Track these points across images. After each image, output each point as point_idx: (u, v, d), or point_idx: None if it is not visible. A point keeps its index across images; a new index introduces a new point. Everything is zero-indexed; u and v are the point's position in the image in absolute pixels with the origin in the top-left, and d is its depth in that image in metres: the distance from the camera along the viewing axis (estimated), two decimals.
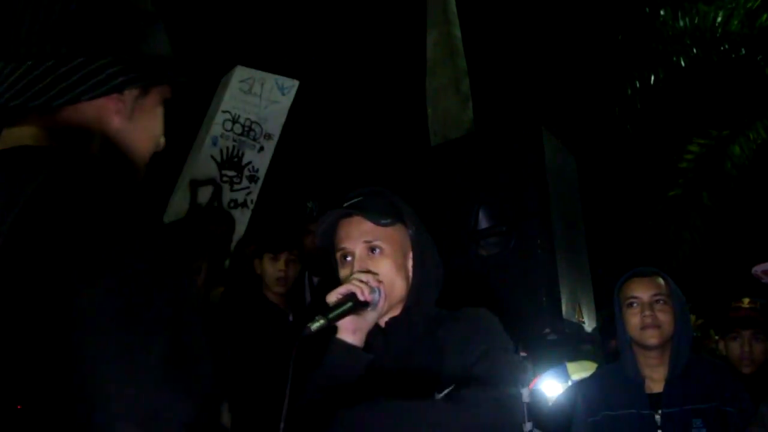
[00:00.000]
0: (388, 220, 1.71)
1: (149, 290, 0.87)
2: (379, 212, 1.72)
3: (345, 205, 1.74)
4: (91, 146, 1.07)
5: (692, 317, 3.58)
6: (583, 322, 3.41)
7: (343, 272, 1.72)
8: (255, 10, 9.21)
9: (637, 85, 8.45)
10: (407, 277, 1.73)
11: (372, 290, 1.63)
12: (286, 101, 5.31)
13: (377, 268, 1.68)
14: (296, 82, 5.34)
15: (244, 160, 5.13)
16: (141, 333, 0.86)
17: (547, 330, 3.15)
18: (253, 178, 5.17)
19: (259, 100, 5.19)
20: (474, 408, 1.56)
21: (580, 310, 3.38)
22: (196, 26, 8.54)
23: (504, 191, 3.31)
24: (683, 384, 2.54)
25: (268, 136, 5.23)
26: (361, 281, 1.62)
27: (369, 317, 1.65)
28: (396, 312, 1.73)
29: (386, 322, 1.72)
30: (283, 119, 5.31)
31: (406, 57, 8.27)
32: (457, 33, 6.82)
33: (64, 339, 0.85)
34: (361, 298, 1.60)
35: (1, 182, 0.95)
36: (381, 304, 1.65)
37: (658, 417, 2.51)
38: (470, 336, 1.66)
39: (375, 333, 1.71)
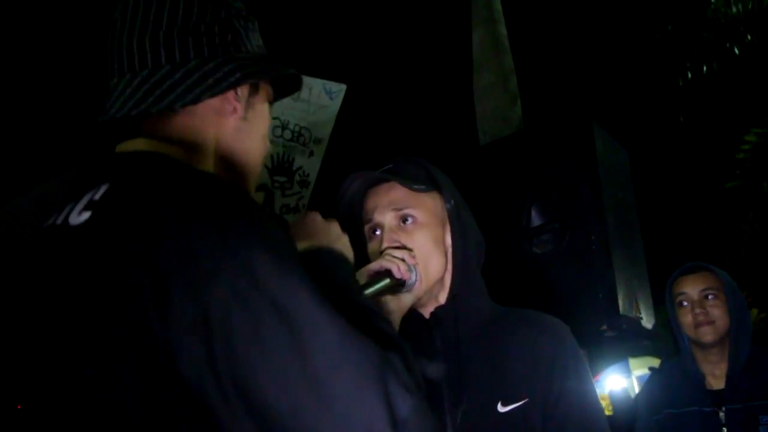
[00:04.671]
0: (422, 186, 1.49)
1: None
2: (412, 177, 1.51)
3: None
4: (204, 154, 1.07)
5: (754, 311, 3.49)
6: (641, 318, 3.35)
7: (372, 246, 1.50)
8: (300, 14, 9.29)
9: (689, 75, 8.27)
10: (445, 254, 1.50)
11: (409, 268, 1.40)
12: (335, 105, 5.34)
13: (410, 241, 1.45)
14: (344, 86, 5.36)
15: (295, 166, 5.17)
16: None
17: (604, 327, 3.11)
18: (304, 183, 5.21)
19: (307, 105, 5.23)
20: None
21: (638, 306, 3.32)
22: None
23: (556, 188, 3.28)
24: (745, 379, 2.48)
25: (318, 141, 5.26)
26: (396, 257, 1.40)
27: (405, 300, 1.42)
28: (440, 300, 1.51)
29: (432, 313, 1.51)
30: (331, 123, 5.33)
31: (452, 56, 8.25)
32: (503, 31, 6.77)
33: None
34: (397, 275, 1.38)
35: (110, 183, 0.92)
36: (418, 285, 1.43)
37: (722, 414, 2.46)
38: (544, 345, 1.46)
39: (420, 325, 1.50)
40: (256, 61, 1.11)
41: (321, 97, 5.34)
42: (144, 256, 0.80)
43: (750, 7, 7.91)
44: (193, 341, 0.76)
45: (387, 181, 1.51)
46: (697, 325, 2.54)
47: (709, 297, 2.55)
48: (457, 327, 1.48)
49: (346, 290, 0.94)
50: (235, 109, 1.09)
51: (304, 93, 5.27)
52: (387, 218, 1.48)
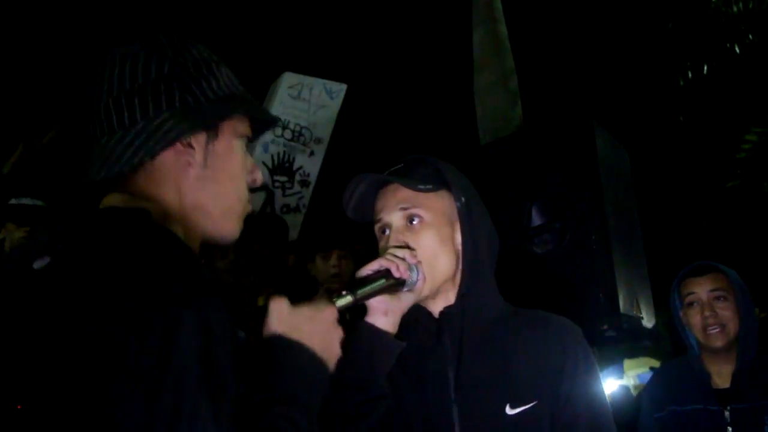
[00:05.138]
0: (429, 186, 1.49)
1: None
2: (418, 178, 1.50)
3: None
4: (171, 204, 1.12)
5: (755, 310, 3.49)
6: (642, 317, 3.35)
7: (381, 246, 1.51)
8: (300, 14, 9.29)
9: (690, 75, 8.27)
10: (455, 254, 1.50)
11: (409, 267, 1.40)
12: (335, 105, 5.35)
13: (416, 242, 1.46)
14: (344, 86, 5.37)
15: (295, 165, 5.18)
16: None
17: (605, 326, 3.11)
18: (304, 183, 5.22)
19: (307, 105, 5.24)
20: None
21: (638, 305, 3.32)
22: (243, 35, 8.66)
23: (556, 187, 3.27)
24: (752, 379, 2.47)
25: (318, 141, 5.27)
26: (396, 256, 1.40)
27: (405, 299, 1.42)
28: (449, 299, 1.51)
29: (440, 313, 1.51)
30: (332, 123, 5.34)
31: (453, 56, 8.25)
32: (504, 30, 6.77)
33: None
34: (396, 274, 1.38)
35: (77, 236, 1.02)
36: (420, 285, 1.42)
37: (727, 413, 2.45)
38: (553, 346, 1.46)
39: (428, 325, 1.51)
40: (206, 109, 1.13)
41: (322, 97, 5.35)
42: (78, 315, 0.90)
43: (750, 6, 7.90)
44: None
45: (392, 181, 1.51)
46: (707, 328, 2.51)
47: (720, 298, 2.52)
48: (463, 326, 1.48)
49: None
50: (189, 162, 1.12)
51: (304, 93, 5.28)
52: (394, 218, 1.49)
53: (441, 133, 9.35)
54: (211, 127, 1.14)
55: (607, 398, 1.51)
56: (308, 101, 5.26)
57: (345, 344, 1.25)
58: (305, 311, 1.19)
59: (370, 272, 1.38)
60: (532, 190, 3.35)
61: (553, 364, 1.43)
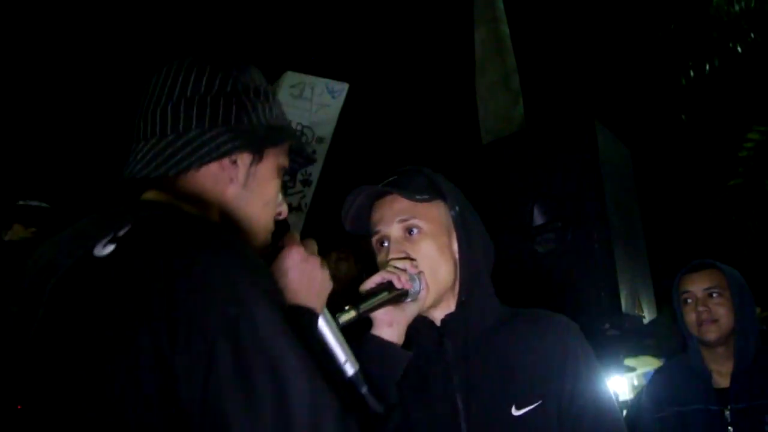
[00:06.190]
0: (425, 196, 1.51)
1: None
2: (414, 188, 1.52)
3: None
4: (209, 213, 1.16)
5: (757, 309, 3.50)
6: (644, 316, 3.35)
7: (380, 258, 1.53)
8: (303, 13, 9.29)
9: (692, 74, 8.26)
10: (453, 262, 1.52)
11: (411, 278, 1.43)
12: (337, 104, 5.34)
13: (416, 252, 1.48)
14: (346, 85, 5.37)
15: None
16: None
17: (607, 325, 3.11)
18: (306, 182, 5.22)
19: (309, 104, 5.23)
20: None
21: (640, 305, 3.33)
22: (245, 35, 8.67)
23: (558, 186, 3.28)
24: (751, 378, 2.48)
25: (320, 140, 5.27)
26: (397, 268, 1.43)
27: (409, 309, 1.44)
28: (450, 306, 1.53)
29: (442, 320, 1.53)
30: (334, 122, 5.34)
31: (455, 56, 8.25)
32: (505, 30, 6.76)
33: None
34: (398, 285, 1.40)
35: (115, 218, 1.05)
36: (423, 294, 1.45)
37: (727, 413, 2.46)
38: (553, 345, 1.48)
39: (429, 333, 1.53)
40: (256, 134, 1.18)
41: (323, 96, 5.35)
42: (161, 290, 0.92)
43: (752, 5, 7.89)
44: (196, 370, 0.88)
45: (389, 192, 1.53)
46: (701, 323, 2.54)
47: (714, 295, 2.55)
48: (467, 332, 1.50)
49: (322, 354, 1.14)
50: (232, 179, 1.17)
51: (306, 92, 5.28)
52: (393, 230, 1.51)
53: (443, 133, 9.36)
54: (259, 150, 1.19)
55: (610, 391, 1.52)
56: (310, 100, 5.26)
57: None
58: (311, 267, 1.23)
59: (372, 286, 1.41)
60: (534, 190, 3.35)
61: (554, 362, 1.45)
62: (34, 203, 3.80)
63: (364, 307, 1.36)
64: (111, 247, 0.99)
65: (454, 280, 1.53)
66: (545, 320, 1.54)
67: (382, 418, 1.38)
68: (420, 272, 1.45)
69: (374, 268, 1.48)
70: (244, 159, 1.17)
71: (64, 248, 1.08)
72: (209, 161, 1.14)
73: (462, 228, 1.53)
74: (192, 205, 1.14)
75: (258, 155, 1.19)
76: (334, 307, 1.33)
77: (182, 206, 1.12)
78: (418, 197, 1.50)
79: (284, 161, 1.25)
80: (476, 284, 1.53)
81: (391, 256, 1.49)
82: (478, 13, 6.86)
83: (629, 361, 4.00)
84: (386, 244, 1.52)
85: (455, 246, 1.53)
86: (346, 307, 1.34)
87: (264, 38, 8.98)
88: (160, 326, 0.89)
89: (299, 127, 5.16)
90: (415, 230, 1.50)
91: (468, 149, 6.84)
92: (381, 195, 1.55)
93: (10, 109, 7.42)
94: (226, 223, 1.17)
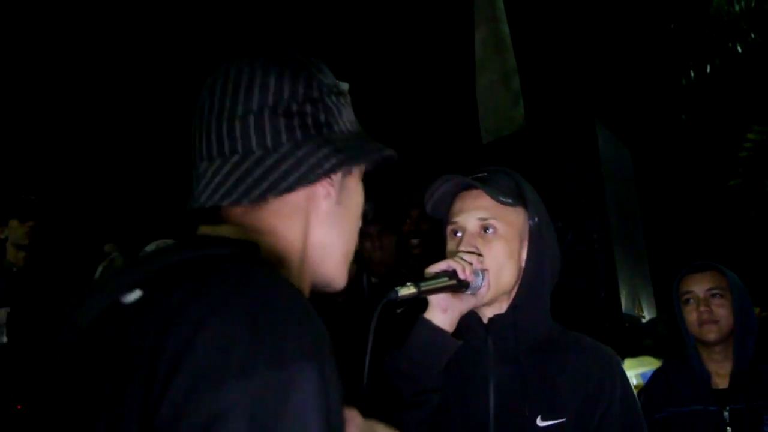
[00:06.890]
0: (509, 200, 1.54)
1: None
2: (500, 190, 1.55)
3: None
4: (298, 235, 1.00)
5: (756, 310, 3.50)
6: (643, 316, 3.35)
7: (450, 246, 1.57)
8: (303, 13, 9.30)
9: (692, 74, 8.27)
10: (518, 269, 1.55)
11: (475, 272, 1.46)
12: None
13: (486, 250, 1.51)
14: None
15: None
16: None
17: (607, 325, 3.11)
18: None
19: None
20: None
21: (640, 304, 3.33)
22: (245, 34, 8.67)
23: (558, 186, 3.28)
24: (750, 379, 2.48)
25: None
26: (464, 260, 1.46)
27: (466, 301, 1.48)
28: (501, 308, 1.55)
29: (489, 319, 1.55)
30: None
31: (455, 55, 8.25)
32: (506, 29, 6.77)
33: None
34: (461, 276, 1.44)
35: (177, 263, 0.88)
36: (484, 290, 1.48)
37: (726, 414, 2.46)
38: (593, 371, 1.50)
39: (476, 329, 1.56)
40: (350, 142, 1.03)
41: None
42: (176, 353, 0.76)
43: (752, 5, 7.89)
44: None
45: (476, 187, 1.56)
46: (701, 323, 2.54)
47: (716, 296, 2.55)
48: (517, 336, 1.53)
49: None
50: (329, 194, 1.01)
51: None
52: (470, 224, 1.54)
53: (443, 132, 9.36)
54: (354, 164, 1.04)
55: (646, 427, 1.54)
56: None
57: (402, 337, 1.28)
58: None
59: (437, 270, 1.44)
60: (535, 189, 3.36)
61: (589, 388, 1.47)
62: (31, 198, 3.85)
63: (424, 286, 1.38)
64: (137, 294, 0.84)
65: (515, 286, 1.56)
66: (591, 347, 1.57)
67: (420, 402, 1.43)
68: (485, 270, 1.49)
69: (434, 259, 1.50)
70: (337, 173, 1.02)
71: (95, 291, 0.92)
72: (311, 182, 0.97)
73: (536, 239, 1.57)
74: (270, 234, 0.98)
75: (351, 167, 1.04)
76: (396, 280, 1.35)
77: (258, 241, 0.95)
78: (502, 199, 1.54)
79: (363, 169, 1.11)
80: (534, 294, 1.56)
81: (461, 247, 1.52)
82: (478, 12, 6.86)
83: (629, 361, 4.01)
84: (460, 234, 1.56)
85: (524, 254, 1.56)
86: (408, 283, 1.35)
87: (264, 38, 8.98)
88: (147, 403, 0.74)
89: None
90: (491, 229, 1.53)
91: (468, 149, 6.84)
92: (467, 187, 1.59)
93: (8, 109, 7.42)
94: (314, 247, 1.02)
